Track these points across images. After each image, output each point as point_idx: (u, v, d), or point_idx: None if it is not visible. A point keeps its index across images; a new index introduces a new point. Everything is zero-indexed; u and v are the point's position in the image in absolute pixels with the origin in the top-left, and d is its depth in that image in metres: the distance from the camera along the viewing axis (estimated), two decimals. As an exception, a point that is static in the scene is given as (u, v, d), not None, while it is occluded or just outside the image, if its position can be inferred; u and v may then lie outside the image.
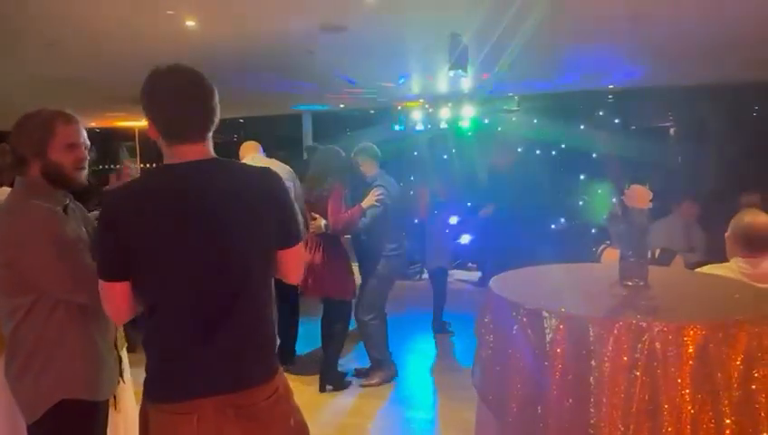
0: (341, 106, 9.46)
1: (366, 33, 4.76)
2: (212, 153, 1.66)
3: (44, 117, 1.95)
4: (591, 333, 1.66)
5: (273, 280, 1.78)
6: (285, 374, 1.79)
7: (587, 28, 4.74)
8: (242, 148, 5.04)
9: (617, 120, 8.23)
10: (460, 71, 6.17)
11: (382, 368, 4.46)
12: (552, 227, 7.57)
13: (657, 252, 3.20)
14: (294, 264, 1.79)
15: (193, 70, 1.62)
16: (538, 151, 8.21)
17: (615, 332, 1.64)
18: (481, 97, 8.64)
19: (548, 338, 1.74)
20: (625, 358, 1.62)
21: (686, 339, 1.61)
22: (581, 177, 7.68)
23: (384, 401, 4.22)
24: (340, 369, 4.53)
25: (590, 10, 4.19)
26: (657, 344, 1.61)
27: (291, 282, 1.85)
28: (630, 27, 4.54)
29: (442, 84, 7.31)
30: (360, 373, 4.59)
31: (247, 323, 1.64)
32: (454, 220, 6.84)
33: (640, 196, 2.04)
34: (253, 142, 5.06)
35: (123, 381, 2.21)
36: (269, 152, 5.37)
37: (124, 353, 2.88)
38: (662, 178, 7.75)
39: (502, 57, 5.79)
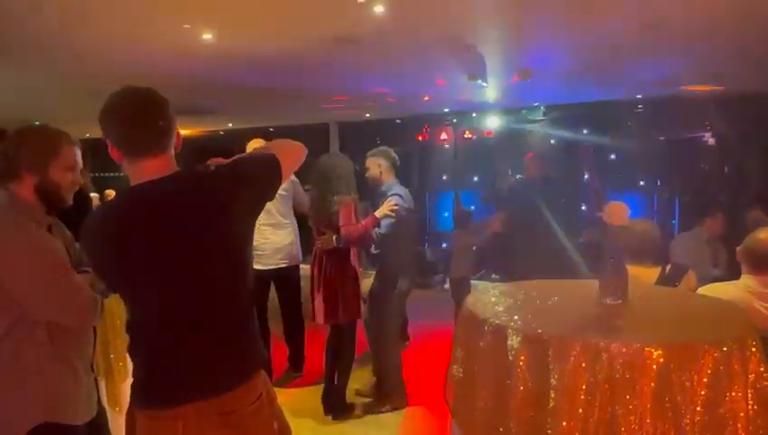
0: (367, 115, 9.52)
1: (379, 45, 4.79)
2: (173, 166, 1.70)
3: (51, 135, 1.97)
4: (551, 353, 1.65)
5: (250, 280, 1.80)
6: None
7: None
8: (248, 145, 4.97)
9: (645, 130, 8.06)
10: (479, 81, 6.20)
11: (393, 392, 4.07)
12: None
13: (669, 268, 3.12)
14: (292, 161, 1.88)
15: (144, 88, 1.68)
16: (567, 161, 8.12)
17: (574, 352, 1.63)
18: (506, 107, 8.60)
19: (510, 355, 1.73)
20: (583, 379, 1.61)
21: (646, 361, 1.59)
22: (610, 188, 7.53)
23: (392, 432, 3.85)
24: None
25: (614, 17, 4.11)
26: (618, 366, 1.59)
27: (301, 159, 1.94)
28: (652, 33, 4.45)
29: (466, 95, 7.30)
30: (362, 395, 4.30)
31: (225, 329, 1.68)
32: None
33: (618, 213, 2.01)
34: (257, 140, 4.97)
35: (100, 404, 2.18)
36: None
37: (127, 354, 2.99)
38: (690, 190, 7.63)
39: (521, 66, 5.78)
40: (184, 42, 4.66)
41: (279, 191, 1.90)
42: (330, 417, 4.03)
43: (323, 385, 4.12)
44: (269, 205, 3.58)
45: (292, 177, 4.56)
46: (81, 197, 2.68)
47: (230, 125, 11.27)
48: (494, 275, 8.18)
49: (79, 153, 2.03)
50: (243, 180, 1.73)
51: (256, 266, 4.31)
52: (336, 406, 4.05)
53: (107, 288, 1.73)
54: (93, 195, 5.17)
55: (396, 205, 3.86)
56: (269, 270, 4.45)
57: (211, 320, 1.65)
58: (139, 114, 1.64)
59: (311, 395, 4.31)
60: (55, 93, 6.70)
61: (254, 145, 4.81)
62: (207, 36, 4.52)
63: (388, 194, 3.96)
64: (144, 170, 1.65)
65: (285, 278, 4.60)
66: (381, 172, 4.05)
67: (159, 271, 1.61)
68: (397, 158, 4.13)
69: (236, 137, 12.02)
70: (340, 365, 4.03)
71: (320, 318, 3.89)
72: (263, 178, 1.77)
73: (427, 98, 7.39)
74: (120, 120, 1.64)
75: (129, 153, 1.65)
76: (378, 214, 3.88)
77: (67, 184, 1.97)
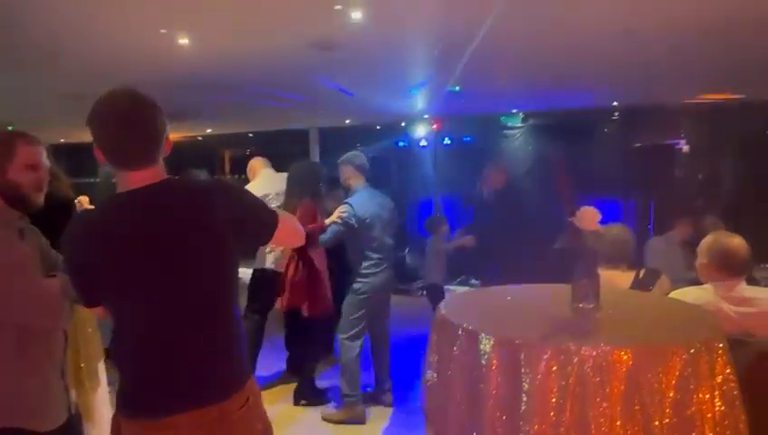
0: (347, 122, 9.53)
1: (357, 49, 4.81)
2: (163, 175, 1.67)
3: (4, 137, 1.97)
4: (522, 357, 1.66)
5: (237, 289, 1.79)
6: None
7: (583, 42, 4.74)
8: (249, 165, 5.03)
9: (620, 138, 8.19)
10: (456, 87, 6.25)
11: (347, 404, 4.14)
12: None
13: (642, 272, 3.16)
14: (288, 238, 1.91)
15: (134, 93, 1.62)
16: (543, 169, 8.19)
17: (545, 356, 1.64)
18: (484, 113, 8.67)
19: (483, 360, 1.74)
20: (555, 382, 1.62)
21: (615, 364, 1.61)
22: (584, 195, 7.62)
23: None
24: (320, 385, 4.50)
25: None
26: (588, 369, 1.61)
27: (298, 244, 1.98)
28: (625, 42, 4.51)
29: (443, 102, 7.35)
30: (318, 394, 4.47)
31: (216, 339, 1.68)
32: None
33: (590, 217, 2.04)
34: (260, 159, 5.05)
35: (72, 411, 2.13)
36: (277, 168, 5.30)
37: (101, 365, 2.94)
38: (663, 195, 7.76)
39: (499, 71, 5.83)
40: (160, 46, 4.64)
41: None
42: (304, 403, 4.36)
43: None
44: None
45: None
46: (64, 203, 2.67)
47: (209, 130, 11.20)
48: (473, 281, 8.21)
49: (43, 152, 2.00)
50: (243, 206, 1.72)
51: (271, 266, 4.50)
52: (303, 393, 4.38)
53: (88, 299, 1.69)
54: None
55: (343, 212, 3.99)
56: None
57: (201, 331, 1.64)
58: (131, 126, 1.59)
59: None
60: (27, 97, 6.61)
61: (258, 167, 4.85)
62: (184, 41, 4.50)
63: (344, 201, 4.10)
64: (132, 180, 1.62)
65: None
66: (348, 178, 4.19)
67: (145, 282, 1.59)
68: (364, 162, 4.20)
69: (215, 142, 12.00)
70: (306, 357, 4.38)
71: (282, 306, 4.15)
72: (261, 220, 1.76)
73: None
74: (105, 133, 1.60)
75: (118, 164, 1.62)
76: (326, 221, 4.03)
77: (29, 183, 1.95)
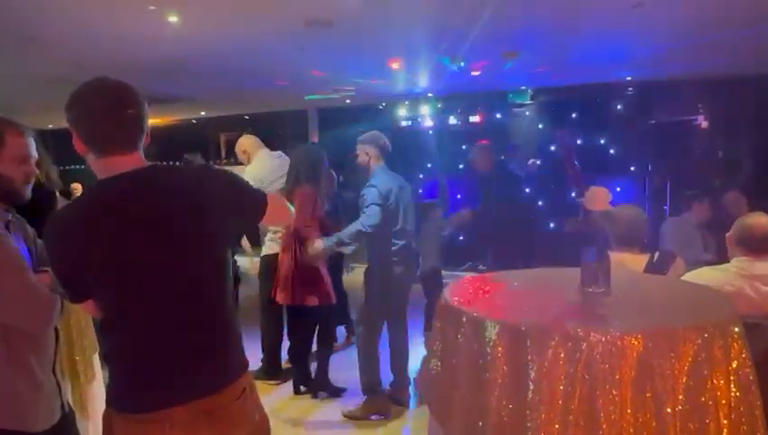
0: (347, 101, 9.50)
1: (353, 27, 4.79)
2: (145, 162, 1.70)
3: None
4: (529, 344, 1.67)
5: (230, 278, 1.83)
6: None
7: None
8: (240, 145, 4.94)
9: (635, 114, 8.13)
10: (460, 63, 6.22)
11: (370, 396, 4.08)
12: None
13: (657, 255, 3.17)
14: (278, 214, 1.93)
15: (119, 81, 1.66)
16: (552, 147, 8.17)
17: (553, 342, 1.65)
18: (491, 90, 8.63)
19: (489, 347, 1.76)
20: (562, 369, 1.63)
21: (626, 350, 1.62)
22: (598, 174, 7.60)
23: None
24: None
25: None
26: (597, 355, 1.62)
27: (287, 223, 1.97)
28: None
29: (449, 79, 7.31)
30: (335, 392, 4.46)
31: (210, 326, 1.71)
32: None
33: (599, 198, 2.04)
34: (251, 138, 4.95)
35: (66, 409, 2.14)
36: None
37: (96, 357, 2.97)
38: (680, 174, 7.73)
39: (502, 46, 5.80)
40: (149, 24, 4.63)
41: None
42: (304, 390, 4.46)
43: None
44: None
45: None
46: (47, 193, 2.67)
47: (203, 113, 11.20)
48: (480, 267, 8.23)
49: (32, 144, 2.00)
50: (235, 188, 1.77)
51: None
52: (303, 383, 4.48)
53: (74, 293, 1.70)
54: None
55: (363, 227, 3.88)
56: None
57: (195, 321, 1.67)
58: (111, 113, 1.62)
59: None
60: (13, 82, 6.62)
61: (245, 142, 4.82)
62: (174, 19, 4.49)
63: (367, 185, 4.04)
64: (113, 167, 1.64)
65: None
66: (370, 159, 4.11)
67: (136, 269, 1.61)
68: (387, 143, 4.17)
69: (209, 126, 11.99)
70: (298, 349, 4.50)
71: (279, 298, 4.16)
72: (253, 199, 1.81)
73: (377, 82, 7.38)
74: (90, 118, 1.62)
75: (98, 151, 1.64)
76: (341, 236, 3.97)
77: (20, 177, 1.94)
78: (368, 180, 4.06)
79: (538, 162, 6.29)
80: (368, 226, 3.86)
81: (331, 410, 4.21)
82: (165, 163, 1.80)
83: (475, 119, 8.94)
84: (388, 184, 3.99)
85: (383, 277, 4.05)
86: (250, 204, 1.81)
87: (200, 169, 1.80)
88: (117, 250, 1.59)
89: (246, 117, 11.20)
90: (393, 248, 4.03)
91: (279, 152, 4.85)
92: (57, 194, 2.95)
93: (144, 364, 1.66)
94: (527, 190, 6.91)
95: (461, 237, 7.99)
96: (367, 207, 3.88)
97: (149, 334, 1.65)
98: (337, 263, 4.99)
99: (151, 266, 1.61)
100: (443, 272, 5.75)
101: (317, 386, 4.44)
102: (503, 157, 7.43)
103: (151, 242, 1.60)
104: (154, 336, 1.65)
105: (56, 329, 2.09)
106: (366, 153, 4.11)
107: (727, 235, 2.85)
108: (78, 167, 9.00)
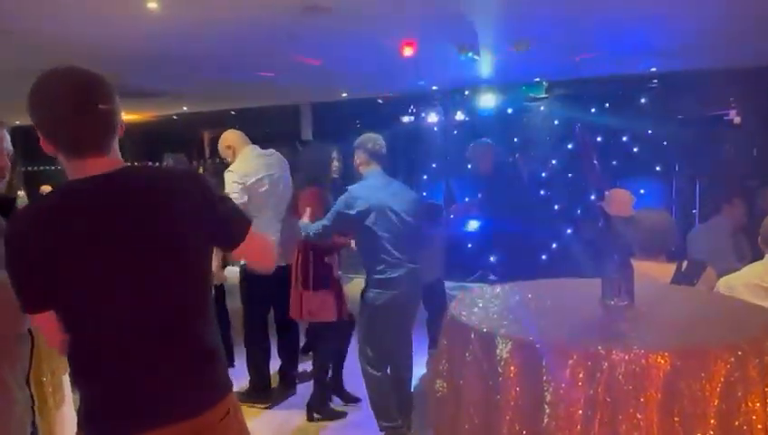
0: (344, 95, 9.52)
1: (353, 14, 4.80)
2: (120, 162, 1.70)
3: None
4: (545, 363, 1.67)
5: (212, 291, 1.84)
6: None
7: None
8: (225, 140, 4.91)
9: (660, 109, 8.14)
10: (471, 54, 6.23)
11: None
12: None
13: (685, 264, 3.17)
14: (257, 253, 1.94)
15: (87, 71, 1.63)
16: (570, 145, 8.17)
17: (571, 361, 1.64)
18: (503, 84, 8.64)
19: (500, 367, 1.75)
20: (581, 391, 1.63)
21: (651, 369, 1.61)
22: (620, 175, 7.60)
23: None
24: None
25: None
26: (619, 376, 1.62)
27: (265, 269, 2.01)
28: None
29: (456, 70, 7.32)
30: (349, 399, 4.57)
31: (191, 344, 1.71)
32: (474, 225, 6.83)
33: (621, 201, 2.04)
34: (236, 133, 4.90)
35: (36, 420, 2.17)
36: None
37: (66, 379, 2.96)
38: (712, 176, 7.73)
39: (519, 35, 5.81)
40: (126, 11, 4.64)
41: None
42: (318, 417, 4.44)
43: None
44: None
45: (286, 162, 4.77)
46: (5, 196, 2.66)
47: (185, 109, 11.21)
48: (491, 277, 8.23)
49: (7, 137, 2.01)
50: (214, 211, 1.76)
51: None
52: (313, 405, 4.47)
53: (28, 301, 1.66)
54: (20, 193, 5.13)
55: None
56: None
57: (172, 337, 1.67)
58: (79, 106, 1.59)
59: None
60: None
61: (229, 137, 4.81)
62: (152, 5, 4.50)
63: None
64: (89, 168, 1.63)
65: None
66: (360, 164, 4.12)
67: (112, 279, 1.61)
68: (377, 147, 4.11)
69: (192, 122, 12.01)
70: (314, 367, 4.53)
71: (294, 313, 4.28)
72: (228, 226, 1.80)
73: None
74: (55, 116, 1.59)
75: (67, 152, 1.63)
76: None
77: None
78: None
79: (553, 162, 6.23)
80: (312, 231, 3.95)
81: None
82: (143, 165, 1.79)
83: (484, 114, 8.92)
84: (369, 192, 3.92)
85: (376, 299, 3.94)
86: (223, 233, 1.79)
87: (181, 177, 1.78)
88: (83, 258, 1.59)
89: (233, 112, 11.23)
90: (383, 265, 3.91)
91: (270, 150, 4.85)
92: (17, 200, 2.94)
93: (114, 386, 1.65)
94: (542, 193, 6.94)
95: (469, 245, 7.99)
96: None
97: (120, 353, 1.64)
98: None
99: (123, 277, 1.61)
100: (449, 283, 5.75)
101: (329, 393, 4.54)
102: (512, 158, 7.47)
103: (121, 251, 1.60)
104: (125, 355, 1.64)
105: (31, 334, 2.09)
106: (357, 158, 4.12)
107: (762, 230, 2.91)
108: (49, 168, 9.05)
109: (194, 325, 1.72)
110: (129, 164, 1.71)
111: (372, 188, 3.94)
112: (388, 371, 4.05)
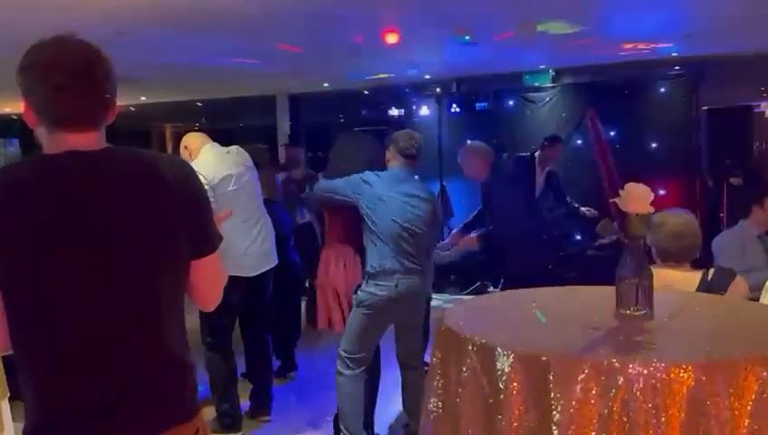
0: (325, 85, 9.54)
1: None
2: (104, 143, 1.72)
3: None
4: (552, 377, 1.66)
5: (184, 298, 1.85)
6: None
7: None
8: (185, 143, 4.95)
9: (683, 100, 8.18)
10: (467, 37, 6.25)
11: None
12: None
13: (712, 272, 3.19)
14: (210, 280, 1.90)
15: (86, 41, 1.68)
16: (579, 141, 8.22)
17: (582, 375, 1.64)
18: (504, 72, 8.68)
19: (502, 382, 1.75)
20: (594, 409, 1.63)
21: (674, 385, 1.61)
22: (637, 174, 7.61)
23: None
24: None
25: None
26: (637, 392, 1.62)
27: (206, 306, 1.94)
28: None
29: (448, 56, 7.35)
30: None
31: (156, 353, 1.71)
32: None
33: (638, 198, 2.04)
34: (197, 134, 4.98)
35: None
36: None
37: (5, 404, 2.94)
38: (739, 172, 7.77)
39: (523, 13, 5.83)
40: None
41: None
42: None
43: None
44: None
45: (251, 159, 4.80)
46: None
47: (143, 99, 11.17)
48: (491, 289, 8.24)
49: None
50: (202, 205, 1.82)
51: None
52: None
53: None
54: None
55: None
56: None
57: (140, 340, 1.68)
58: (77, 81, 1.63)
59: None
60: None
61: (187, 138, 4.82)
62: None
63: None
64: (68, 143, 1.65)
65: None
66: (389, 159, 4.28)
67: (67, 272, 1.60)
68: (411, 144, 4.23)
69: (152, 115, 11.98)
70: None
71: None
72: (205, 234, 1.82)
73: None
74: (49, 84, 1.62)
75: (51, 123, 1.66)
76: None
77: None
78: None
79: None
80: (318, 186, 4.17)
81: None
82: (131, 147, 1.81)
83: (482, 106, 8.95)
84: (385, 183, 4.09)
85: (366, 299, 4.06)
86: (195, 242, 1.80)
87: (174, 162, 1.84)
88: (47, 240, 1.58)
89: (199, 103, 11.20)
90: (388, 263, 4.04)
91: (233, 147, 4.84)
92: None
93: (70, 399, 1.64)
94: (551, 194, 6.96)
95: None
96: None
97: (80, 359, 1.63)
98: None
99: (73, 274, 1.60)
100: (443, 296, 5.75)
101: None
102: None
103: (77, 243, 1.59)
104: (77, 365, 1.63)
105: None
106: (387, 153, 4.29)
107: None
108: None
109: (157, 335, 1.72)
110: (112, 146, 1.73)
111: (390, 183, 4.10)
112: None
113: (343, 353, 4.10)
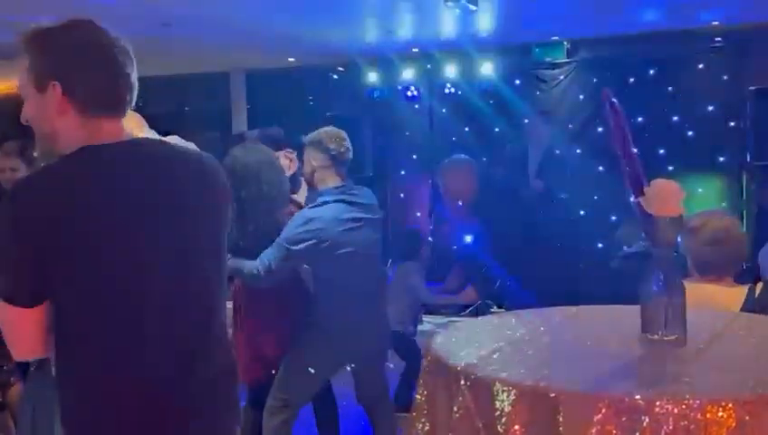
0: (291, 60, 9.53)
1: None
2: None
3: None
4: (562, 417, 1.66)
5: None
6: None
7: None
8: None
9: (725, 78, 8.22)
10: (465, 2, 6.27)
11: None
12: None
13: (759, 287, 3.21)
14: None
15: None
16: (600, 129, 8.25)
17: (599, 415, 1.64)
18: (510, 44, 8.71)
19: (501, 425, 1.75)
20: (614, 455, 1.63)
21: (710, 426, 1.61)
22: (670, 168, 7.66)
23: None
24: None
25: None
26: (664, 434, 1.62)
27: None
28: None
29: (443, 26, 7.38)
30: None
31: (222, 352, 2.03)
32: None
33: (667, 197, 2.04)
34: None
35: None
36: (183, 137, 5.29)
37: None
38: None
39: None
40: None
41: None
42: None
43: None
44: None
45: None
46: None
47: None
48: (493, 309, 8.27)
49: None
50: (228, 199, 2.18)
51: None
52: None
53: (40, 291, 1.82)
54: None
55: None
56: None
57: (211, 335, 1.98)
58: (124, 63, 1.93)
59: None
60: None
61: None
62: None
63: (309, 205, 4.12)
64: (108, 130, 1.92)
65: None
66: (314, 171, 4.11)
67: (138, 269, 1.84)
68: (340, 146, 4.10)
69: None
70: None
71: None
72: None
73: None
74: (96, 67, 1.91)
75: (91, 109, 1.90)
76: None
77: None
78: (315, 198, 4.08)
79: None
80: (263, 267, 3.84)
81: None
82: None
83: (482, 85, 8.96)
84: (334, 222, 3.94)
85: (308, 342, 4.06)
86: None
87: (210, 158, 2.14)
88: (113, 237, 1.81)
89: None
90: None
91: (174, 136, 4.82)
92: None
93: (138, 407, 1.83)
94: (562, 196, 7.01)
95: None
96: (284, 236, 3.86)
97: (144, 360, 1.84)
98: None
99: (165, 258, 1.87)
100: (434, 319, 5.80)
101: None
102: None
103: (166, 233, 1.89)
104: (153, 361, 1.84)
105: None
106: (310, 161, 4.12)
107: None
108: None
109: (222, 332, 2.05)
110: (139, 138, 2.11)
111: (336, 217, 3.96)
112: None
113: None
